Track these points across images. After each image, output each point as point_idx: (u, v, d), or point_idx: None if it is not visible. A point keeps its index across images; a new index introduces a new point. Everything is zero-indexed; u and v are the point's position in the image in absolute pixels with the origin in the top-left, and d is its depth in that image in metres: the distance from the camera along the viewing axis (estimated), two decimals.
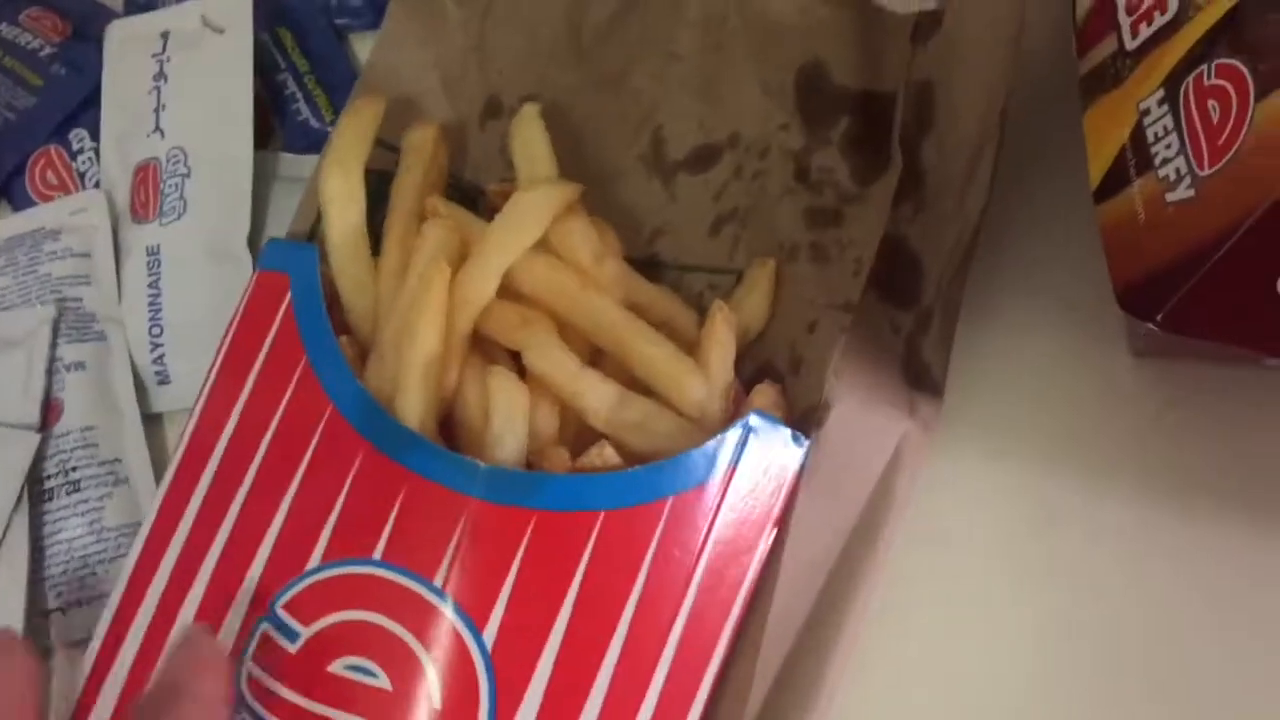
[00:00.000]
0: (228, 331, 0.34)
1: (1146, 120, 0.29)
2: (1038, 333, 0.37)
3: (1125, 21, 0.31)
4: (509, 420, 0.30)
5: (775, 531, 0.30)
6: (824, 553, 0.32)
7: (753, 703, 0.30)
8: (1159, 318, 0.28)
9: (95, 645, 0.32)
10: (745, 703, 0.29)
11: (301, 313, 0.32)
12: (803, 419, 0.32)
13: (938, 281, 0.35)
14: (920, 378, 0.34)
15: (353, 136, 0.33)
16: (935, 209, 0.35)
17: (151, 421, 0.42)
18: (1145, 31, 0.30)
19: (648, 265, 0.37)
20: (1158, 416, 0.35)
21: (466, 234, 0.32)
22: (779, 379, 0.34)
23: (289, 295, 0.33)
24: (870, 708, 0.33)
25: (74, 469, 0.39)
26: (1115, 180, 0.30)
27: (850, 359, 0.32)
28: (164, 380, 0.42)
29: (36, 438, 0.39)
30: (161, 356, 0.42)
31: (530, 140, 0.34)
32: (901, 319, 0.35)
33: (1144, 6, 0.30)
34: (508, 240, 0.31)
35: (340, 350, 0.31)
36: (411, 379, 0.29)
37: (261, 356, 0.33)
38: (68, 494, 0.39)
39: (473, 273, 0.30)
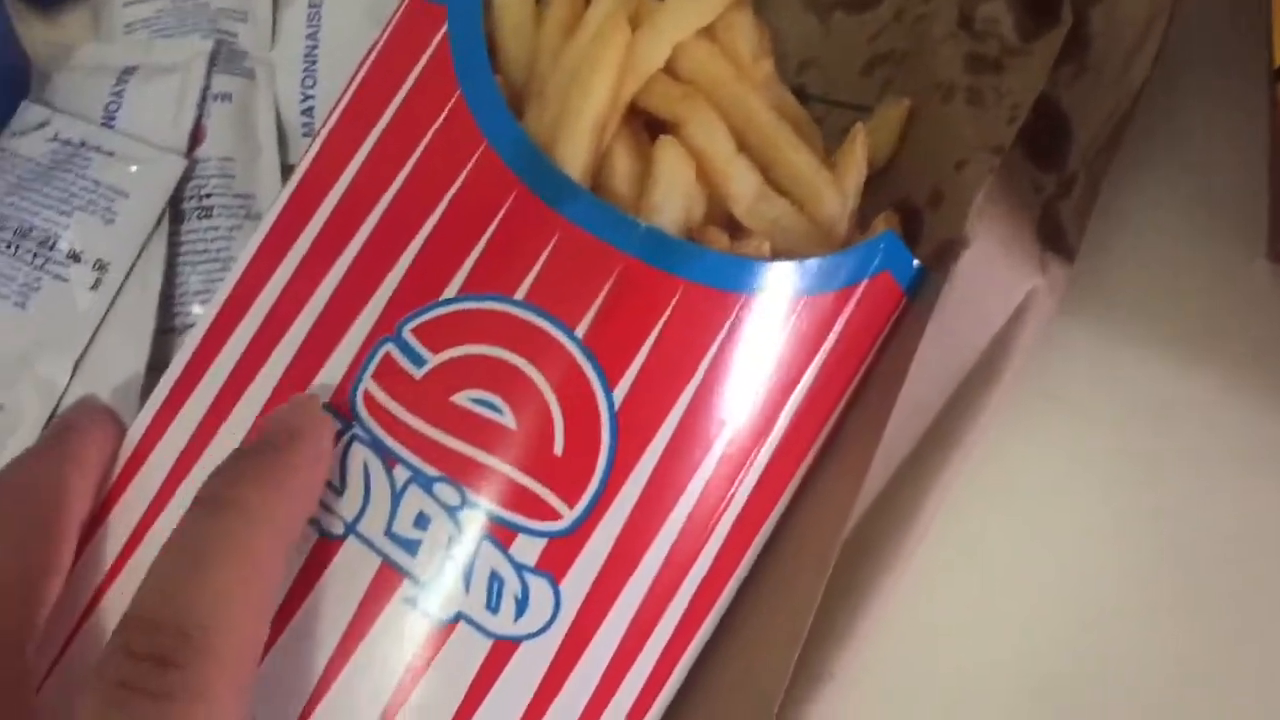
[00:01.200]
0: (367, 57, 0.32)
1: None
2: (1177, 227, 0.37)
3: None
4: (673, 188, 0.29)
5: (882, 352, 0.31)
6: (938, 389, 0.33)
7: (853, 517, 0.30)
8: None
9: (176, 367, 0.31)
10: (847, 518, 0.29)
11: (459, 45, 0.31)
12: (939, 251, 0.32)
13: (1085, 150, 0.34)
14: (1055, 239, 0.34)
15: None
16: (1095, 76, 0.35)
17: (290, 172, 0.42)
18: None
19: (794, 94, 0.37)
20: None
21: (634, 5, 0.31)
22: (914, 213, 0.34)
23: (445, 27, 0.31)
24: (945, 560, 0.34)
25: (208, 195, 0.40)
26: None
27: (990, 204, 0.32)
28: (309, 134, 0.42)
29: (184, 162, 0.39)
30: (311, 109, 0.42)
31: None
32: (1044, 180, 0.35)
33: None
34: (685, 13, 0.30)
35: (498, 89, 0.30)
36: (579, 130, 0.29)
37: (407, 85, 0.31)
38: (199, 218, 0.39)
39: (645, 40, 0.30)
